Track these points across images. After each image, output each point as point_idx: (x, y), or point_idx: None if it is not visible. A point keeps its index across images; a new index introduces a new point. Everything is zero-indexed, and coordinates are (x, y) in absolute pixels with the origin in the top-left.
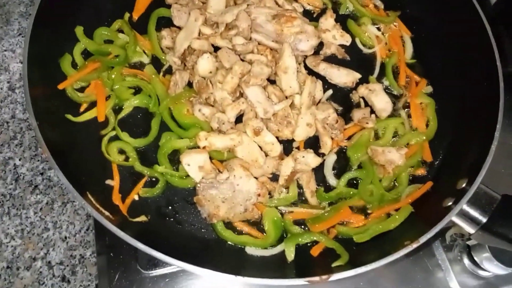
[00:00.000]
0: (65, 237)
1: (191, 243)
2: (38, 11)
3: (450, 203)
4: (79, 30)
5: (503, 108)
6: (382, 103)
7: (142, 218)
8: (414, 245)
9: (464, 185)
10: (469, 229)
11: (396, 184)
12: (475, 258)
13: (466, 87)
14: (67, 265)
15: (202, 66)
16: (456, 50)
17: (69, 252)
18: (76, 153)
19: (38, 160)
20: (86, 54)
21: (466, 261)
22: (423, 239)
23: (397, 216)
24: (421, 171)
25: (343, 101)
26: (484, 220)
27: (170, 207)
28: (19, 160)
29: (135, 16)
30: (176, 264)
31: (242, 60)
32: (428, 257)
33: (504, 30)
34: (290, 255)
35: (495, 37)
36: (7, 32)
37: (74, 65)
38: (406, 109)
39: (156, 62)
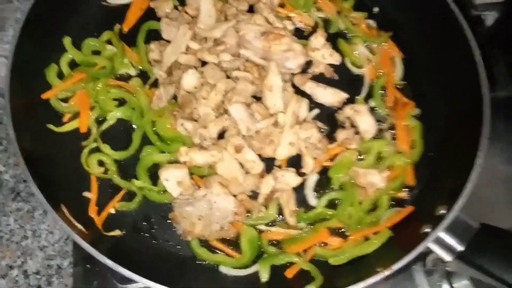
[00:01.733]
0: (43, 246)
1: (165, 260)
2: (27, 19)
3: (427, 229)
4: (67, 41)
5: (488, 135)
6: (366, 124)
7: (117, 232)
8: (387, 272)
9: (442, 211)
10: (446, 257)
11: (376, 207)
12: (454, 285)
13: (453, 111)
14: (44, 275)
15: (187, 81)
16: (445, 74)
17: (46, 261)
18: (54, 164)
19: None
20: (73, 64)
21: (445, 287)
22: (396, 266)
23: (375, 240)
24: (402, 195)
25: (329, 120)
26: (461, 249)
27: (146, 222)
28: (3, 166)
29: (126, 28)
30: (145, 283)
31: (228, 76)
32: (407, 281)
33: (498, 52)
34: (264, 276)
35: (487, 61)
36: (1, 38)
37: (59, 75)
38: (392, 131)
39: (143, 75)
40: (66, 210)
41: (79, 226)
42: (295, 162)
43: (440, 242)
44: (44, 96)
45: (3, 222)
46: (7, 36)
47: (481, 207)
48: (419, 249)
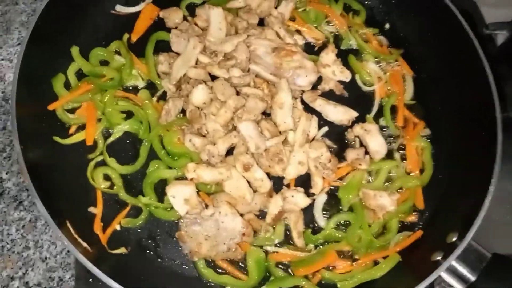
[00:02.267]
0: (45, 258)
1: (170, 279)
2: (35, 27)
3: (438, 258)
4: (75, 50)
5: (501, 158)
6: (376, 145)
7: (122, 250)
8: None
9: (454, 239)
10: (457, 286)
11: (385, 230)
12: None
13: (464, 132)
14: (45, 287)
15: (196, 96)
16: (457, 93)
17: (48, 273)
18: (59, 177)
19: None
20: (80, 74)
21: None
22: None
23: (383, 265)
24: (411, 218)
25: (338, 138)
26: (472, 278)
27: (151, 240)
28: (6, 173)
29: (134, 38)
30: None
31: (238, 92)
32: None
33: (509, 71)
34: None
35: (498, 80)
36: (6, 41)
37: (66, 84)
38: (402, 151)
39: (151, 87)
40: (70, 226)
41: (84, 244)
42: (303, 181)
43: (451, 271)
44: (51, 107)
45: (5, 232)
46: (12, 39)
47: (492, 230)
48: (431, 278)
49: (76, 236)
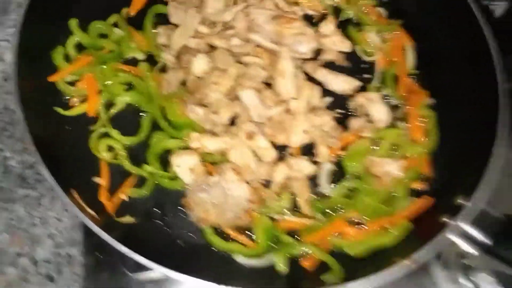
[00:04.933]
0: (52, 234)
1: (179, 248)
2: (31, 0)
3: (446, 219)
4: (73, 23)
5: (506, 123)
6: (379, 113)
7: (129, 219)
8: (408, 263)
9: (462, 201)
10: (472, 251)
11: (392, 197)
12: (472, 279)
13: (468, 101)
14: (54, 263)
15: (197, 66)
16: (459, 63)
17: (56, 249)
18: (63, 148)
19: (29, 153)
20: (80, 48)
21: (463, 281)
22: (418, 256)
23: (393, 231)
24: (419, 185)
25: (341, 108)
26: (487, 242)
27: (158, 209)
28: (10, 152)
29: (132, 12)
30: (159, 270)
31: (238, 62)
32: (423, 276)
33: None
34: (281, 266)
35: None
36: (3, 22)
37: (66, 58)
38: (405, 121)
39: (151, 59)
40: (76, 195)
41: (91, 211)
42: (308, 151)
43: (466, 236)
44: (51, 79)
45: (10, 209)
46: (9, 20)
47: (507, 200)
48: (441, 239)
49: (83, 204)
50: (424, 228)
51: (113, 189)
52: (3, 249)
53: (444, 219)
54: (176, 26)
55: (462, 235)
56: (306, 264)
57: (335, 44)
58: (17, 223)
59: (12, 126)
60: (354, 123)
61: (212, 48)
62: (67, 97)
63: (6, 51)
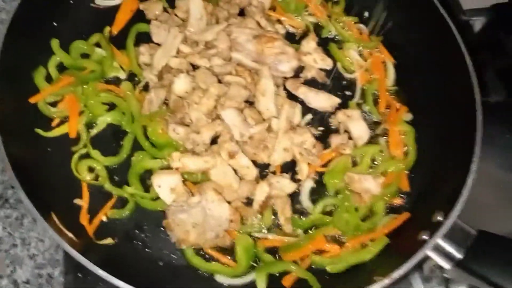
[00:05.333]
0: (33, 255)
1: (159, 269)
2: (12, 20)
3: (425, 236)
4: (55, 43)
5: (481, 139)
6: (359, 130)
7: (109, 240)
8: (387, 281)
9: (440, 218)
10: (444, 264)
11: (372, 213)
12: None
13: (446, 116)
14: (34, 285)
15: (178, 85)
16: (437, 78)
17: (36, 270)
18: (43, 170)
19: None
20: (61, 67)
21: None
22: (396, 274)
23: (372, 248)
24: (397, 201)
25: (322, 125)
26: (459, 256)
27: (138, 230)
28: None
29: (115, 31)
30: None
31: (220, 81)
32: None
33: (487, 57)
34: (262, 285)
35: (477, 66)
36: None
37: (47, 78)
38: (385, 136)
39: (133, 78)
40: (56, 218)
41: (70, 234)
42: (289, 168)
43: (438, 250)
44: (32, 100)
45: None
46: None
47: (477, 212)
48: (418, 256)
49: (61, 227)
50: (401, 243)
51: (93, 210)
52: None
53: (424, 236)
54: (158, 45)
55: (436, 249)
56: (286, 282)
57: (316, 61)
58: None
59: None
60: (335, 140)
61: (194, 67)
62: (48, 118)
63: None
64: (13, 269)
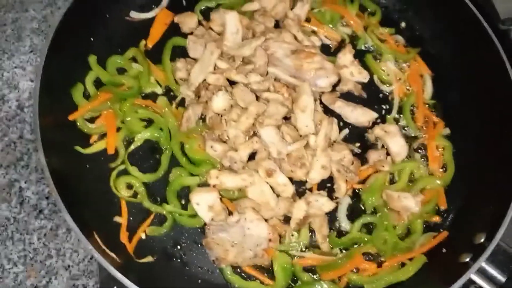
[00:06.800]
0: (68, 266)
1: (197, 287)
2: (54, 37)
3: (467, 259)
4: (92, 59)
5: None
6: (397, 146)
7: (149, 258)
8: None
9: (482, 240)
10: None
11: (409, 232)
12: None
13: (485, 131)
14: None
15: (217, 103)
16: (475, 91)
17: (71, 281)
18: (83, 187)
19: (44, 184)
20: (98, 83)
21: None
22: None
23: (410, 267)
24: (435, 219)
25: (359, 140)
26: (503, 279)
27: (177, 248)
28: (25, 182)
29: (150, 44)
30: None
31: (258, 97)
32: None
33: None
34: None
35: None
36: (18, 49)
37: (85, 94)
38: (419, 151)
39: (170, 93)
40: (98, 238)
41: (112, 254)
42: (325, 183)
43: (481, 273)
44: (71, 117)
45: (27, 241)
46: (24, 46)
47: None
48: (463, 280)
49: (104, 247)
50: (440, 263)
51: (132, 228)
52: (19, 282)
53: (466, 258)
54: (194, 60)
55: (479, 272)
56: None
57: (353, 74)
58: (33, 254)
59: (27, 156)
60: (372, 156)
61: (230, 82)
62: (86, 134)
63: (21, 78)
64: (49, 280)
